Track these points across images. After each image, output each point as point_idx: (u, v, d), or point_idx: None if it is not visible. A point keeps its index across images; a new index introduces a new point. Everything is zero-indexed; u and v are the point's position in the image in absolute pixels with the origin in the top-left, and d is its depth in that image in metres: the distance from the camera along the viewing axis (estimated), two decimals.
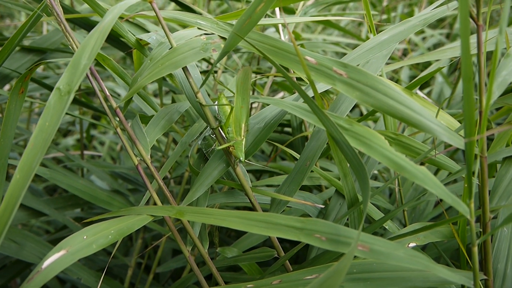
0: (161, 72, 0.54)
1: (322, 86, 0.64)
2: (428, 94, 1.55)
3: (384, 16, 1.86)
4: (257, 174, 1.20)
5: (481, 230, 0.52)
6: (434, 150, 0.56)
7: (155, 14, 0.58)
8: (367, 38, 1.77)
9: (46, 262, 0.46)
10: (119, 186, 1.10)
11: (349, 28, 2.03)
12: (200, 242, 0.64)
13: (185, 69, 0.58)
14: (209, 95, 0.85)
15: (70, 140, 1.92)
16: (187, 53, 0.55)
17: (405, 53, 1.92)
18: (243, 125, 0.58)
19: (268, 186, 0.81)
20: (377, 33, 0.65)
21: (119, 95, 1.77)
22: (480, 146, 0.41)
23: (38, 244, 0.94)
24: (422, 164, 0.60)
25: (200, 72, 0.64)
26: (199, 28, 0.59)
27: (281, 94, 1.60)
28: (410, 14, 1.97)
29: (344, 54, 1.84)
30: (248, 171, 1.09)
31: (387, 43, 0.58)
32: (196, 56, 0.55)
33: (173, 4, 2.07)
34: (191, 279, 0.81)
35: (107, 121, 1.85)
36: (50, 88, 0.94)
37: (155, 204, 0.63)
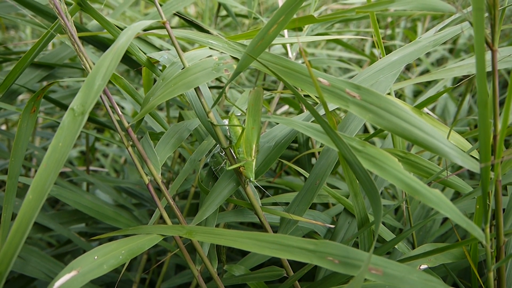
0: (174, 92, 0.54)
1: (331, 105, 0.64)
2: (432, 110, 1.56)
3: (388, 31, 1.87)
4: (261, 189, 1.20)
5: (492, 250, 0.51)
6: (446, 171, 0.56)
7: (166, 33, 0.59)
8: (371, 53, 1.78)
9: (57, 283, 0.46)
10: (123, 200, 1.10)
11: (352, 42, 2.04)
12: (209, 261, 0.63)
13: (197, 89, 0.58)
14: (216, 110, 0.85)
15: (73, 152, 1.92)
16: (200, 73, 0.55)
17: (408, 67, 1.92)
18: (254, 145, 0.58)
19: (274, 204, 0.81)
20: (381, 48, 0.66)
21: (123, 107, 1.78)
22: (496, 171, 0.41)
23: (43, 259, 0.93)
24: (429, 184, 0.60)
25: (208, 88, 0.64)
26: (210, 48, 0.59)
27: (285, 108, 1.61)
28: (413, 29, 1.99)
29: (348, 69, 1.84)
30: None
31: (397, 64, 0.59)
32: (208, 76, 0.55)
33: (177, 18, 2.08)
34: None
35: (111, 134, 1.85)
36: (57, 103, 0.94)
37: (164, 222, 0.62)
